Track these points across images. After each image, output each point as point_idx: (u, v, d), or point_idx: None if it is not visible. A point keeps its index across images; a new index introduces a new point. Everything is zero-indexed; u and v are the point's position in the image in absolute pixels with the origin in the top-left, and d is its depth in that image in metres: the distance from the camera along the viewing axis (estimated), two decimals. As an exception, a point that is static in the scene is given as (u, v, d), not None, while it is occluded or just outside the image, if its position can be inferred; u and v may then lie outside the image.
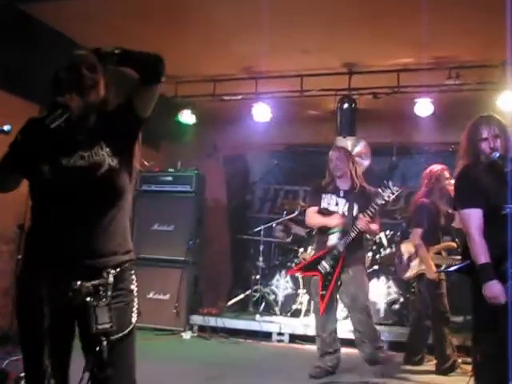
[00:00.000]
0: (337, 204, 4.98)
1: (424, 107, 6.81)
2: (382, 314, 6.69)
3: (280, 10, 5.29)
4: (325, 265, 4.83)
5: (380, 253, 7.15)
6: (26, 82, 5.62)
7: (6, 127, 3.26)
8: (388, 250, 7.13)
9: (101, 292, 2.04)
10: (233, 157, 9.35)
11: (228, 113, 8.06)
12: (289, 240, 7.95)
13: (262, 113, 7.41)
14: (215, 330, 6.82)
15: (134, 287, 2.18)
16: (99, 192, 2.10)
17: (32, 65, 5.36)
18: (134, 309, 2.17)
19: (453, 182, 3.51)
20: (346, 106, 7.05)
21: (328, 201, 5.01)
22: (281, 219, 7.97)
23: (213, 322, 6.86)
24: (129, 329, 2.11)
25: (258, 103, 7.39)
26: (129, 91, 2.23)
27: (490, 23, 5.15)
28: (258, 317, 6.97)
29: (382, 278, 6.83)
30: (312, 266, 4.96)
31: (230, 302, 7.73)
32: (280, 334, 6.70)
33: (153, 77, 2.20)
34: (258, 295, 7.46)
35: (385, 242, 7.18)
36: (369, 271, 6.90)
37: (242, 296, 7.72)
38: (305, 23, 5.65)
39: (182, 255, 7.06)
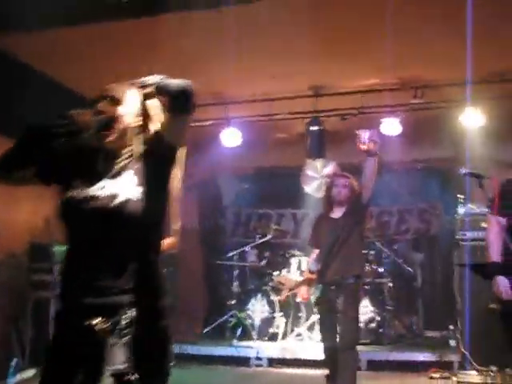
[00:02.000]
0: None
1: (390, 127, 6.92)
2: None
3: (246, 36, 5.35)
4: None
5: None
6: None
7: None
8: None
9: (121, 330, 1.96)
10: (203, 182, 9.34)
11: (198, 138, 8.06)
12: (263, 264, 7.94)
13: (232, 137, 7.44)
14: (192, 358, 6.75)
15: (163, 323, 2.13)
16: (115, 224, 1.99)
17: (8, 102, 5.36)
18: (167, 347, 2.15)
19: None
20: (313, 128, 7.12)
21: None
22: (254, 243, 7.97)
23: (189, 349, 6.79)
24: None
25: (229, 128, 7.43)
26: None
27: (452, 45, 5.31)
28: (235, 342, 6.93)
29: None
30: None
31: (206, 329, 7.67)
32: (258, 358, 6.66)
33: (185, 106, 2.17)
34: (234, 320, 7.42)
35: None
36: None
37: (217, 322, 7.67)
38: (270, 49, 5.73)
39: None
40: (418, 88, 6.59)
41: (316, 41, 5.60)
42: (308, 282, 5.01)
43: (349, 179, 4.75)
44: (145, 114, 2.17)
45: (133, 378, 1.93)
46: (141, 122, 2.16)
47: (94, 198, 1.99)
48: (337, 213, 4.74)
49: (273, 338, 7.06)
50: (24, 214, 5.96)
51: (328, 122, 7.23)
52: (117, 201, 1.98)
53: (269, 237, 7.89)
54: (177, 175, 2.27)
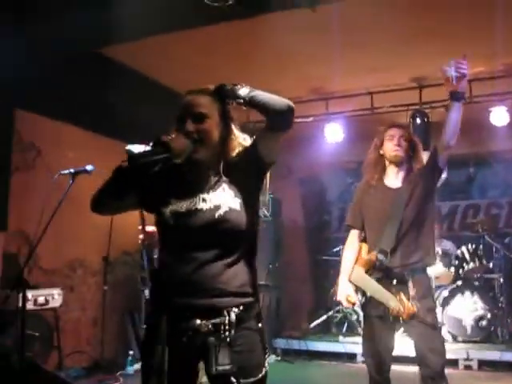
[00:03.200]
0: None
1: (499, 116, 6.63)
2: (469, 331, 6.47)
3: (346, 30, 5.34)
4: None
5: (463, 267, 6.95)
6: (108, 121, 5.94)
7: (89, 167, 3.47)
8: (471, 265, 6.92)
9: (222, 331, 1.97)
10: (308, 178, 9.37)
11: (300, 135, 8.12)
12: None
13: (333, 132, 7.44)
14: (299, 353, 6.82)
15: (260, 325, 2.09)
16: (219, 233, 2.05)
17: (113, 104, 5.68)
18: (263, 350, 2.08)
19: None
20: (418, 120, 6.95)
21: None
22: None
23: (296, 344, 6.87)
24: (261, 374, 2.03)
25: (330, 123, 7.44)
26: (254, 134, 2.19)
27: None
28: (341, 338, 6.92)
29: (467, 294, 6.61)
30: None
31: (313, 324, 7.71)
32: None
33: (281, 125, 2.14)
34: (340, 316, 7.41)
35: (467, 256, 6.98)
36: (452, 287, 6.73)
37: (324, 317, 7.68)
38: (371, 42, 5.66)
39: (262, 279, 7.11)
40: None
41: (417, 31, 5.48)
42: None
43: (407, 130, 3.67)
44: (229, 128, 2.17)
45: (235, 381, 1.95)
46: (228, 135, 2.16)
47: (198, 210, 2.07)
48: (392, 179, 3.49)
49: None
50: (137, 216, 6.27)
51: (433, 114, 7.03)
52: (221, 211, 2.05)
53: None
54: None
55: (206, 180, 2.13)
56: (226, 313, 1.99)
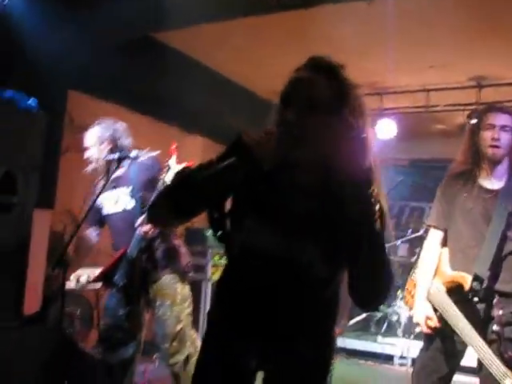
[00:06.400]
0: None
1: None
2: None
3: (404, 26, 5.19)
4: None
5: None
6: (160, 106, 5.98)
7: (133, 154, 3.47)
8: None
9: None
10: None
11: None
12: (413, 259, 7.69)
13: (386, 128, 7.29)
14: (336, 350, 6.75)
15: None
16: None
17: (165, 89, 5.70)
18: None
19: None
20: (475, 120, 6.72)
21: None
22: (406, 237, 7.74)
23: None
24: None
25: (383, 119, 7.29)
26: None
27: None
28: (379, 338, 6.82)
29: None
30: None
31: (352, 321, 7.62)
32: (402, 357, 6.49)
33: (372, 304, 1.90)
34: (380, 315, 7.29)
35: None
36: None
37: (363, 315, 7.58)
38: (430, 39, 5.50)
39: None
40: None
41: (478, 29, 5.29)
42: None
43: None
44: None
45: None
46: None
47: None
48: (489, 178, 2.84)
49: (418, 337, 6.82)
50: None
51: (490, 115, 6.80)
52: None
53: (421, 232, 7.60)
54: None
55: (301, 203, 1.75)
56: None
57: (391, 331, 7.07)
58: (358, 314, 7.63)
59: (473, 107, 6.78)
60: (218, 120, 6.55)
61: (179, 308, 3.53)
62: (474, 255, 2.71)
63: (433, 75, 6.39)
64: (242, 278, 1.80)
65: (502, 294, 2.68)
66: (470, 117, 6.81)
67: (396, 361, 6.49)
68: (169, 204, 1.73)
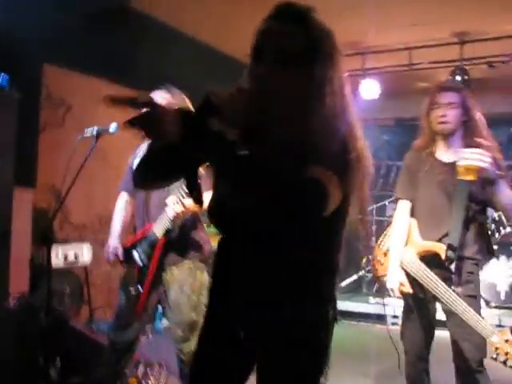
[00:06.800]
0: None
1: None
2: (502, 296, 6.34)
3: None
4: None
5: (500, 232, 6.76)
6: (136, 74, 5.84)
7: (112, 128, 3.37)
8: (508, 229, 6.74)
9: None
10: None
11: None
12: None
13: (370, 89, 7.22)
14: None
15: None
16: None
17: (150, 62, 5.59)
18: None
19: None
20: (458, 77, 6.68)
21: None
22: (393, 197, 7.74)
23: (325, 303, 6.85)
24: None
25: (366, 79, 7.21)
26: None
27: None
28: (371, 299, 6.87)
29: (503, 258, 6.47)
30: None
31: (344, 283, 7.67)
32: (394, 316, 6.54)
33: None
34: (370, 275, 7.34)
35: (504, 220, 6.79)
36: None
37: (355, 277, 7.63)
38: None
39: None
40: None
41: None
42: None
43: (460, 93, 3.00)
44: None
45: None
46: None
47: None
48: (444, 152, 3.01)
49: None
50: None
51: (473, 71, 6.74)
52: None
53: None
54: None
55: None
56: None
57: (382, 291, 7.11)
58: (349, 276, 7.69)
59: (456, 64, 6.73)
60: (201, 88, 6.43)
61: (196, 296, 3.36)
62: (435, 226, 2.92)
63: (415, 33, 6.30)
64: (220, 244, 1.78)
65: (468, 259, 2.90)
66: (453, 73, 6.77)
67: (389, 320, 6.55)
68: (148, 168, 1.71)
